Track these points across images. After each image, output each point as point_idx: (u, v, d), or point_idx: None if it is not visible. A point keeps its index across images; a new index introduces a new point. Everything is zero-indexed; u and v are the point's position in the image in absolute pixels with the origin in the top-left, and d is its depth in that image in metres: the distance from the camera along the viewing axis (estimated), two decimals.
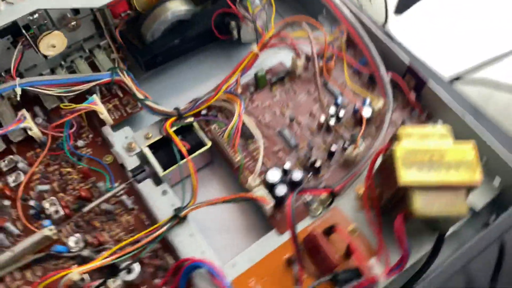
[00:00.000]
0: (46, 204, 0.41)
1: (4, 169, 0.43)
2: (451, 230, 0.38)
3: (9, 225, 0.40)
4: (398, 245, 0.34)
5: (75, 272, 0.36)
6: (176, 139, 0.41)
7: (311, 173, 0.41)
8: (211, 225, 0.42)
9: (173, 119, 0.43)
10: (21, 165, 0.43)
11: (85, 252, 0.39)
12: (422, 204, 0.33)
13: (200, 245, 0.38)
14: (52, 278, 0.35)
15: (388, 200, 0.37)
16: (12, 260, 0.39)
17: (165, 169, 0.41)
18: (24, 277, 0.39)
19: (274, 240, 0.39)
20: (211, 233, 0.40)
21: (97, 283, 0.37)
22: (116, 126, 0.45)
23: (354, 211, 0.40)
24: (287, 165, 0.40)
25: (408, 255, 0.35)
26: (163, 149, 0.42)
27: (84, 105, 0.43)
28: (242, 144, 0.43)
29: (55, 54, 0.44)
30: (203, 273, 0.38)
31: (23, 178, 0.42)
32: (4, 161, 0.43)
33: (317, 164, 0.40)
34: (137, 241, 0.38)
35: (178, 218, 0.39)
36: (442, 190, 0.34)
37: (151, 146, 0.42)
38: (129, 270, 0.37)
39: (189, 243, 0.38)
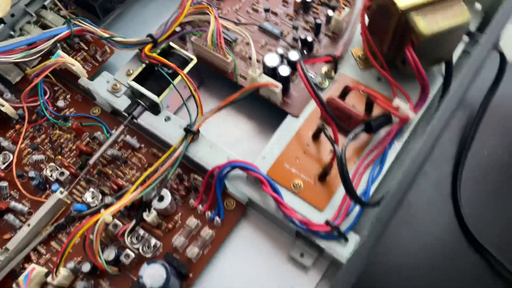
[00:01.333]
0: (47, 172, 0.38)
1: None
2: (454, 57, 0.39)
3: (16, 205, 0.37)
4: (416, 75, 0.34)
5: (107, 214, 0.33)
6: (161, 59, 0.38)
7: (305, 52, 0.40)
8: (225, 139, 0.40)
9: (149, 46, 0.40)
10: (5, 143, 0.39)
11: (108, 200, 0.36)
12: (426, 24, 0.33)
13: (223, 152, 0.37)
14: (83, 228, 0.32)
15: (388, 49, 0.37)
16: (31, 235, 0.35)
17: (159, 96, 0.39)
18: (50, 249, 0.36)
19: (293, 124, 0.38)
20: (228, 146, 0.38)
21: (132, 223, 0.34)
22: (91, 78, 0.42)
23: (358, 72, 0.39)
24: (280, 50, 0.39)
25: (428, 82, 0.35)
26: (149, 79, 0.40)
27: (52, 61, 0.40)
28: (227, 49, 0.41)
29: (2, 15, 0.40)
30: (234, 177, 0.36)
31: (12, 157, 0.39)
32: None
33: (309, 39, 0.39)
34: (156, 171, 0.36)
35: (192, 133, 0.36)
36: (440, 5, 0.34)
37: (136, 80, 0.40)
38: (160, 198, 0.35)
39: (211, 154, 0.37)
